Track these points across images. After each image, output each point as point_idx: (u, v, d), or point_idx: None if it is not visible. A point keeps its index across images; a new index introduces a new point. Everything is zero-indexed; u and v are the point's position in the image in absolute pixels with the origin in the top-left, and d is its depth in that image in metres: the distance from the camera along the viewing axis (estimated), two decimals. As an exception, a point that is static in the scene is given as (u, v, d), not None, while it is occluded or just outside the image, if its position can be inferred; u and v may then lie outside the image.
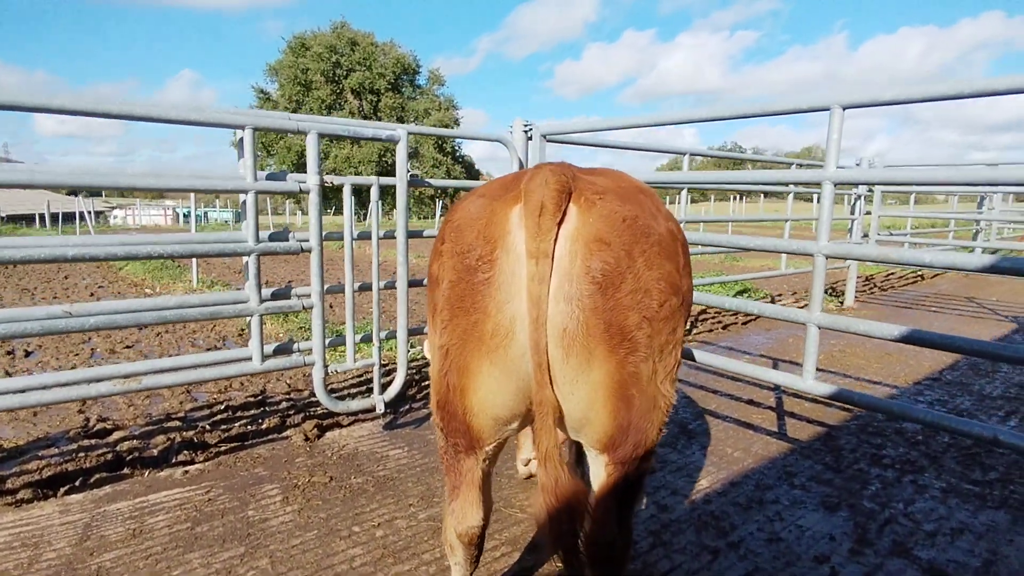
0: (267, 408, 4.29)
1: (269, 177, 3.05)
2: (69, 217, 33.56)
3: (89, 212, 32.68)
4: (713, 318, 7.18)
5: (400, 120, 41.80)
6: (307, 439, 3.62)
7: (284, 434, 3.71)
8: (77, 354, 5.77)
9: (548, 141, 3.91)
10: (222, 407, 4.31)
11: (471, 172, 48.29)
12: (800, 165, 7.59)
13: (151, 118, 2.73)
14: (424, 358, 5.03)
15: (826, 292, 8.89)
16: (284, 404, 4.35)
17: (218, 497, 2.94)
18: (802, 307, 6.94)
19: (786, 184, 7.61)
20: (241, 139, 2.88)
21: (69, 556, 2.45)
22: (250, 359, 3.43)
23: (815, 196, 10.34)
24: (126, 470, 3.29)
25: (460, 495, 1.69)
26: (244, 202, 2.98)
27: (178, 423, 4.07)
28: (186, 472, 3.21)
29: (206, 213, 42.38)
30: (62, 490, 3.12)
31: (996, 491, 3.03)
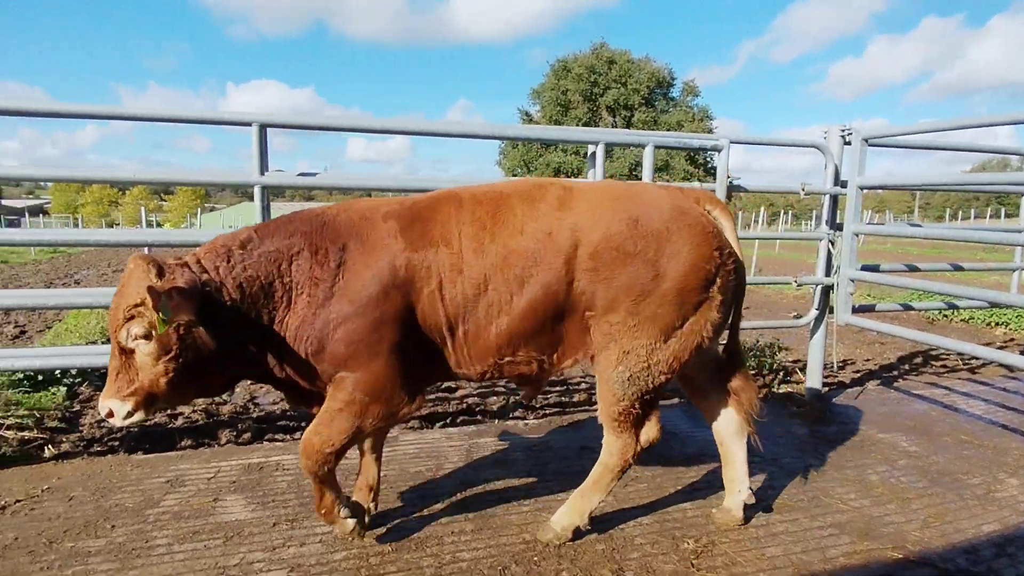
0: (570, 387, 4.97)
1: (610, 184, 3.63)
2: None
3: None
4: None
5: (651, 133, 41.91)
6: (616, 413, 4.13)
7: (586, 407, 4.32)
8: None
9: (870, 145, 3.83)
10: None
11: (722, 184, 46.07)
12: None
13: (520, 138, 3.54)
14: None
15: None
16: (584, 385, 4.99)
17: (552, 439, 3.60)
18: None
19: None
20: (594, 153, 3.49)
21: (464, 468, 3.27)
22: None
23: None
24: (479, 417, 4.18)
25: (654, 414, 2.47)
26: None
27: (503, 390, 4.96)
28: (526, 424, 3.95)
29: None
30: (437, 425, 4.11)
31: None
